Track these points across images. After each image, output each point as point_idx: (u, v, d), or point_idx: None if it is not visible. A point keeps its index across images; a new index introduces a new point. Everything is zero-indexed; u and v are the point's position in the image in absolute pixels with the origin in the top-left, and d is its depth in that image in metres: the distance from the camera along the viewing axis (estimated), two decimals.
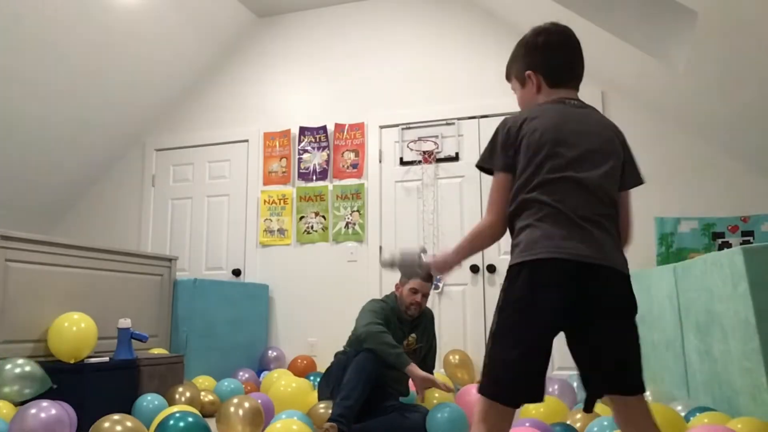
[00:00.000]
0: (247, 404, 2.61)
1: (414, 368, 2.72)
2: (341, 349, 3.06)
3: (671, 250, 3.83)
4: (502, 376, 1.35)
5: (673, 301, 2.87)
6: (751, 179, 3.85)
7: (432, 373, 3.18)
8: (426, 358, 3.10)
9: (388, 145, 4.70)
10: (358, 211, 4.65)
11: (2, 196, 4.85)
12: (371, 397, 2.80)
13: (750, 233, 3.77)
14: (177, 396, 3.08)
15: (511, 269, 1.39)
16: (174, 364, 3.32)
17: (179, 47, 5.01)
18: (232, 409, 2.58)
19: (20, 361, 2.69)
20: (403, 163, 4.61)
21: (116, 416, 2.18)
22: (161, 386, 3.11)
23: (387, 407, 2.76)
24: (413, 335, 2.99)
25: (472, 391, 2.99)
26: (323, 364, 2.99)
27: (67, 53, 4.37)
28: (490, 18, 4.59)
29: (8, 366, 2.63)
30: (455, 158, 4.49)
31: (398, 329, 2.94)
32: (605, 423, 2.12)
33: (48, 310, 3.06)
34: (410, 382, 3.11)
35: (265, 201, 4.90)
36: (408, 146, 4.60)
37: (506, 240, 4.61)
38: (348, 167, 4.74)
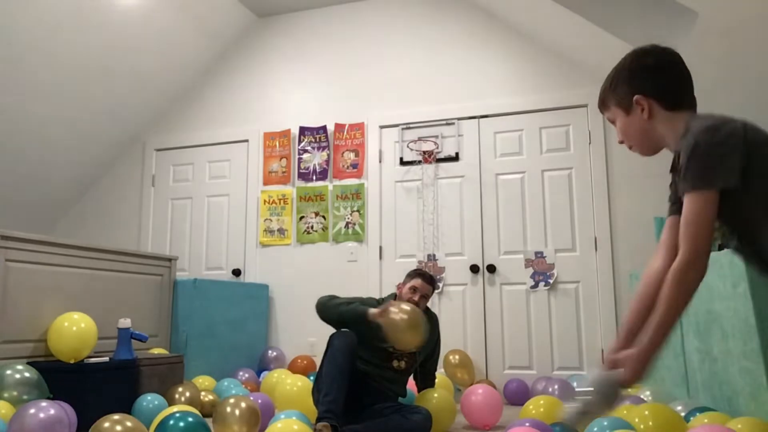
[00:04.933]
0: (243, 404, 2.60)
1: (372, 311, 2.72)
2: None
3: None
4: None
5: None
6: None
7: (434, 376, 3.18)
8: (427, 362, 3.09)
9: (388, 145, 4.69)
10: (358, 211, 4.65)
11: (3, 195, 4.85)
12: (371, 400, 2.79)
13: None
14: (177, 396, 3.08)
15: None
16: (174, 364, 3.32)
17: (179, 47, 5.01)
18: (228, 409, 2.58)
19: (20, 366, 2.69)
20: (403, 163, 4.61)
21: (116, 416, 2.17)
22: (161, 386, 3.11)
23: (386, 408, 2.76)
24: None
25: (477, 392, 2.99)
26: None
27: (67, 53, 4.37)
28: (490, 18, 4.59)
29: (8, 372, 2.63)
30: (455, 158, 4.49)
31: None
32: (605, 423, 2.12)
33: (48, 310, 3.06)
34: (409, 381, 3.12)
35: (265, 201, 4.90)
36: (408, 146, 4.60)
37: (507, 239, 4.57)
38: (348, 167, 4.74)
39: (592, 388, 1.32)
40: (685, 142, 1.27)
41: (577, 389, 1.35)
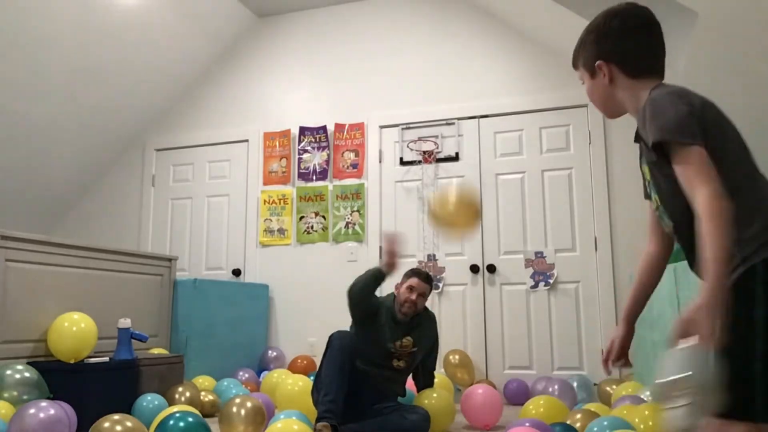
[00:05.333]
0: (249, 404, 2.61)
1: (384, 263, 2.86)
2: None
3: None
4: None
5: (673, 301, 2.87)
6: None
7: (433, 375, 3.18)
8: (426, 360, 3.09)
9: (388, 145, 4.69)
10: (358, 211, 4.64)
11: (2, 196, 4.85)
12: (371, 399, 2.80)
13: None
14: (177, 396, 3.08)
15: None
16: (174, 364, 3.32)
17: (179, 47, 5.00)
18: (234, 408, 2.59)
19: (20, 366, 2.69)
20: (403, 163, 4.61)
21: (116, 416, 2.18)
22: (161, 386, 3.11)
23: (385, 408, 2.76)
24: (408, 338, 2.94)
25: (477, 392, 2.99)
26: None
27: (67, 53, 4.37)
28: (490, 18, 4.58)
29: (8, 372, 2.63)
30: (455, 158, 4.49)
31: (393, 330, 2.92)
32: (605, 423, 2.12)
33: (48, 310, 3.06)
34: (408, 381, 3.12)
35: (265, 201, 4.90)
36: (408, 146, 4.60)
37: (507, 239, 4.57)
38: (348, 167, 4.74)
39: (688, 372, 0.99)
40: (647, 105, 1.21)
41: (663, 382, 1.01)
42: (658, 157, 1.19)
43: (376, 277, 2.84)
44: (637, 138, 1.32)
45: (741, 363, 1.04)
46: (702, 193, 1.11)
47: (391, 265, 2.83)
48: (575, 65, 1.45)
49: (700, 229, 1.09)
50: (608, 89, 1.36)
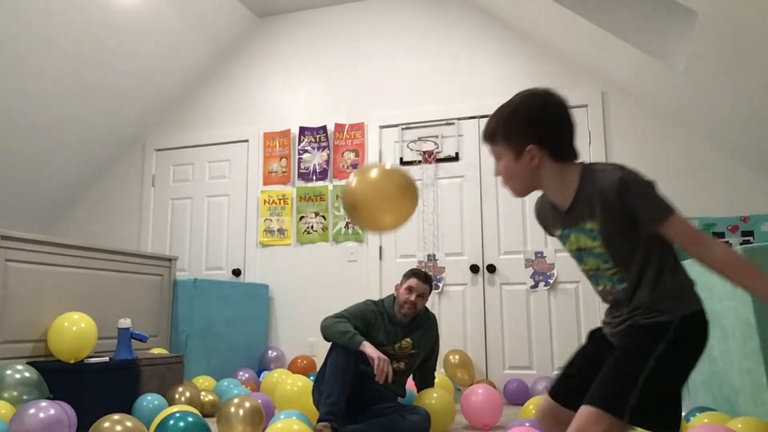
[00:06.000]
0: (247, 404, 2.61)
1: (367, 347, 2.67)
2: None
3: None
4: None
5: None
6: (751, 179, 3.85)
7: (433, 376, 3.18)
8: (426, 362, 3.08)
9: (388, 145, 4.69)
10: None
11: (2, 196, 4.85)
12: (371, 400, 2.79)
13: (750, 233, 3.77)
14: (177, 396, 3.08)
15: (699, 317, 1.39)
16: (174, 364, 3.32)
17: (179, 47, 5.00)
18: (232, 409, 2.58)
19: (20, 366, 2.69)
20: (403, 163, 4.61)
21: (116, 416, 2.18)
22: (161, 386, 3.11)
23: (386, 409, 2.76)
24: (408, 339, 2.93)
25: (477, 392, 2.99)
26: None
27: (67, 53, 4.37)
28: (490, 18, 4.58)
29: (8, 372, 2.63)
30: (455, 158, 4.49)
31: (391, 332, 2.91)
32: None
33: (48, 310, 3.06)
34: (409, 381, 3.12)
35: (265, 201, 4.90)
36: (408, 146, 4.60)
37: (507, 239, 4.55)
38: (348, 167, 4.74)
39: None
40: (627, 186, 1.28)
41: None
42: (637, 227, 1.31)
43: (351, 346, 2.68)
44: (568, 212, 1.40)
45: (632, 371, 1.28)
46: (718, 246, 1.30)
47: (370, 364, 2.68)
48: (492, 139, 1.43)
49: (726, 270, 1.29)
50: (533, 172, 1.38)
